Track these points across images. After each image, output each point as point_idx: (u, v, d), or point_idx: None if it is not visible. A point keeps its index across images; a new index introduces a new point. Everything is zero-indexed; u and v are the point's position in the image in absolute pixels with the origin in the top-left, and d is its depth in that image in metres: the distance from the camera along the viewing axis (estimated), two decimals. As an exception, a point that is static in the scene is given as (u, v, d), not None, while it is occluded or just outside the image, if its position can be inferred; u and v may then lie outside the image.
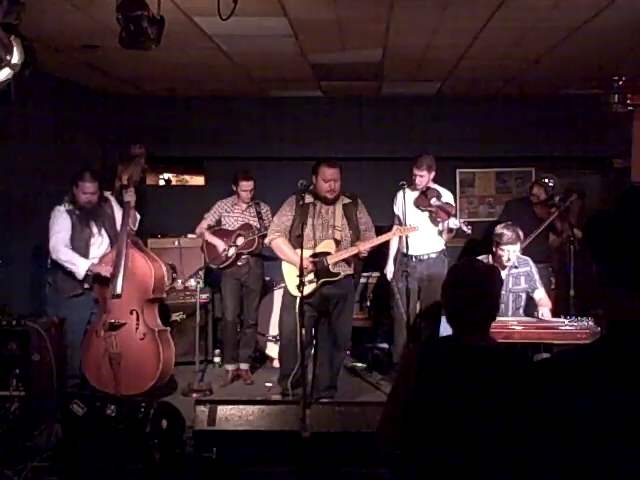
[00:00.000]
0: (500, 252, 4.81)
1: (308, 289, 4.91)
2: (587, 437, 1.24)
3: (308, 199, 5.03)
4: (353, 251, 4.97)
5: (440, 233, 5.50)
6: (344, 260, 5.00)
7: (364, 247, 4.95)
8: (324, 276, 4.94)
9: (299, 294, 4.83)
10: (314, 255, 4.93)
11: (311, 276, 4.90)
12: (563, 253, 5.79)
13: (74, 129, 6.74)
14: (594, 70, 6.00)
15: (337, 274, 4.98)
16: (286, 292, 5.14)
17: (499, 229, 4.87)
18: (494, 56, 5.54)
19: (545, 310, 4.90)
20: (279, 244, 5.08)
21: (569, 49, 5.21)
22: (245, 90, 7.18)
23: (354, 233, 5.05)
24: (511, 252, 4.80)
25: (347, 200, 5.09)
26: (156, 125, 7.53)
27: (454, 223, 5.30)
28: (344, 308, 5.13)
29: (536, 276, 5.01)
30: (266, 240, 5.29)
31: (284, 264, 5.11)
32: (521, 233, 4.90)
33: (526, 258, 5.11)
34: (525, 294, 5.01)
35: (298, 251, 4.88)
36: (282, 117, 7.62)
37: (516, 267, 4.93)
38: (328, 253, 4.96)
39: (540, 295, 4.99)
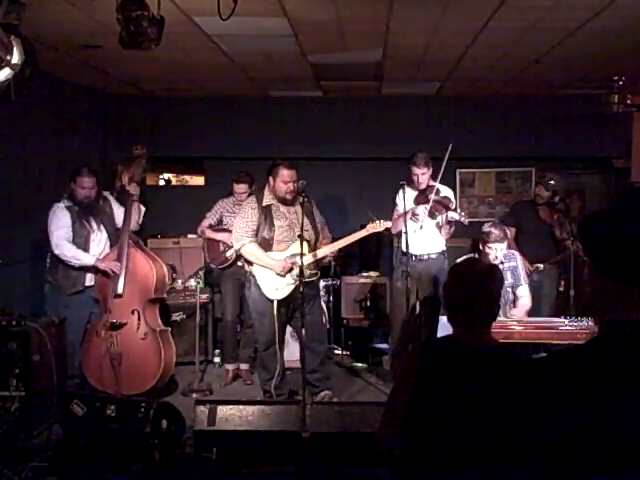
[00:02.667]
0: (487, 250, 4.85)
1: (287, 290, 4.94)
2: (586, 436, 1.24)
3: (267, 201, 4.99)
4: (338, 246, 5.06)
5: (440, 229, 5.48)
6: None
7: (345, 243, 5.04)
8: (304, 276, 4.86)
9: (276, 297, 4.91)
10: (290, 256, 4.89)
11: (288, 277, 4.90)
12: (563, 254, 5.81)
13: (74, 129, 6.73)
14: (594, 70, 6.00)
15: (316, 274, 5.03)
16: (260, 297, 5.00)
17: (486, 227, 4.93)
18: (494, 56, 5.54)
19: (518, 311, 4.87)
20: (252, 249, 4.96)
21: (569, 49, 5.21)
22: (245, 90, 7.18)
23: (315, 231, 5.07)
24: (498, 250, 4.84)
25: (302, 199, 5.03)
26: (156, 125, 7.53)
27: (451, 216, 5.30)
28: (315, 305, 5.16)
29: (522, 272, 5.03)
30: (235, 246, 5.14)
31: (257, 269, 4.98)
32: (508, 232, 4.95)
33: (513, 252, 5.14)
34: (511, 288, 5.03)
35: (270, 254, 4.92)
36: (282, 117, 7.62)
37: (502, 262, 4.94)
38: (303, 253, 4.93)
39: (522, 293, 5.00)
